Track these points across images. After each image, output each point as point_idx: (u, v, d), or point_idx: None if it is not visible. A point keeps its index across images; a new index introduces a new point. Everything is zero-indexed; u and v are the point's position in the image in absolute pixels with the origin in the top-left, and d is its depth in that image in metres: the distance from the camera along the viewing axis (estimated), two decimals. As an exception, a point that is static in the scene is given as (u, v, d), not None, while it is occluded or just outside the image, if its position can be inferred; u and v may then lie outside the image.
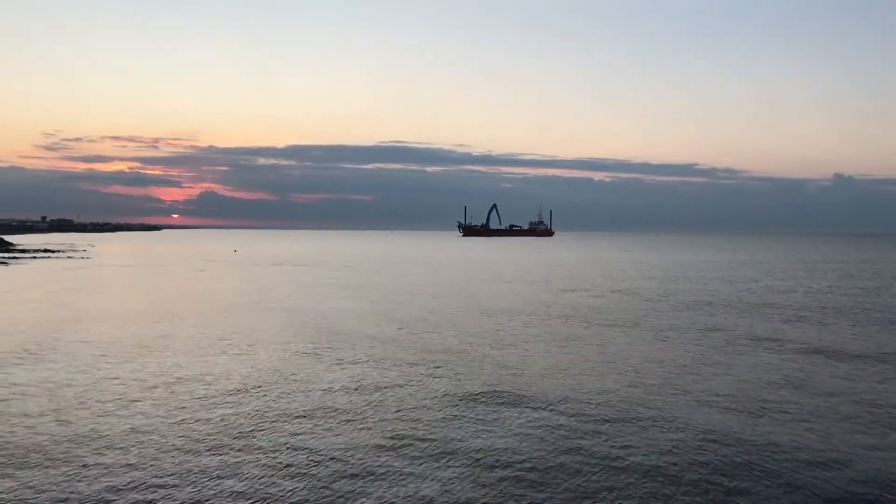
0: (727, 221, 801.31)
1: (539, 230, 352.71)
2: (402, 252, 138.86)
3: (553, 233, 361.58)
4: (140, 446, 14.01)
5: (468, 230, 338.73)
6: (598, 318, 35.17)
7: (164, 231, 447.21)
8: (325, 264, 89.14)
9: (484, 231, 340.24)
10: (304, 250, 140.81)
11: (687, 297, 46.85)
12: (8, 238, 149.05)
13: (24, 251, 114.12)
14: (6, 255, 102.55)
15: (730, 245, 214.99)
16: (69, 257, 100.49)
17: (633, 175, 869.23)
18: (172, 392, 18.61)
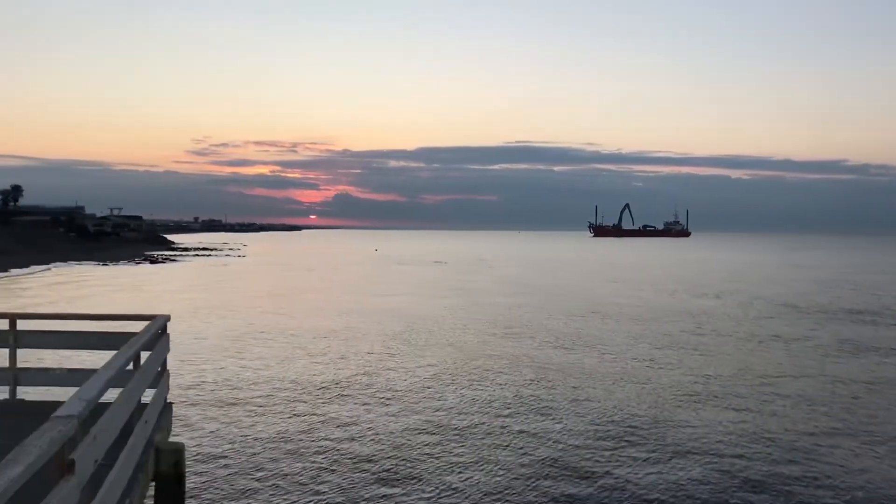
0: (883, 221, 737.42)
1: (675, 231, 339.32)
2: (550, 252, 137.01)
3: (689, 233, 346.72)
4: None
5: (599, 230, 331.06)
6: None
7: (303, 231, 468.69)
8: (477, 263, 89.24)
9: (616, 231, 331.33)
10: (443, 249, 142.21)
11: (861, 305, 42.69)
12: (168, 237, 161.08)
13: (185, 249, 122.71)
14: (170, 252, 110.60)
15: (891, 246, 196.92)
16: (227, 255, 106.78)
17: (773, 173, 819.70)
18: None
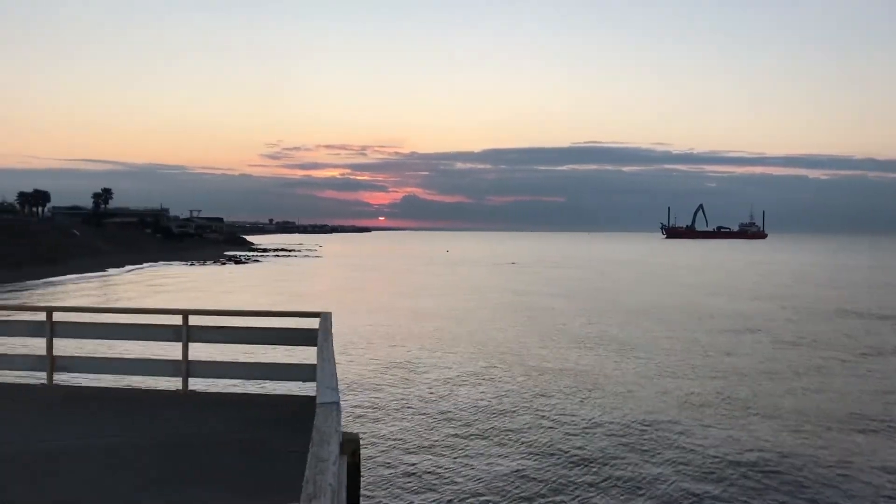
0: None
1: (750, 232, 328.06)
2: (625, 254, 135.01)
3: (766, 235, 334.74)
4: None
5: (672, 232, 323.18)
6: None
7: (373, 232, 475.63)
8: (561, 265, 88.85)
9: (689, 233, 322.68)
10: (514, 251, 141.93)
11: None
12: (246, 238, 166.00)
13: (264, 250, 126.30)
14: (251, 253, 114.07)
15: None
16: (305, 256, 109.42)
17: (854, 172, 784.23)
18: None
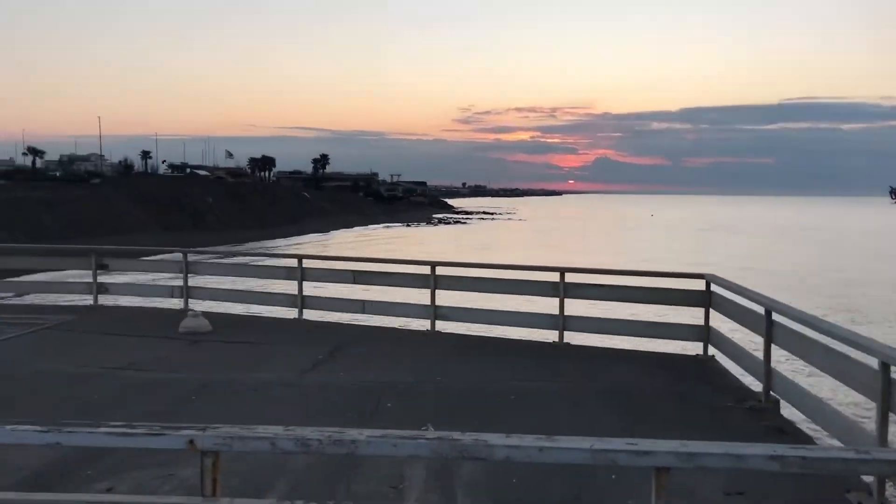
0: None
1: None
2: (870, 223, 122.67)
3: None
4: None
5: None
6: None
7: (563, 196, 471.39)
8: (805, 232, 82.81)
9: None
10: (726, 216, 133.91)
11: None
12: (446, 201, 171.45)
13: (467, 213, 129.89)
14: (456, 215, 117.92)
15: None
16: (508, 218, 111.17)
17: None
18: None
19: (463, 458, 2.87)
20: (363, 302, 10.96)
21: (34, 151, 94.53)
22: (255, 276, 13.27)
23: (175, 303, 12.29)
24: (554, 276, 9.76)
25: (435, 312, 10.30)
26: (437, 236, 67.21)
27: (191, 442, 2.82)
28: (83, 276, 12.83)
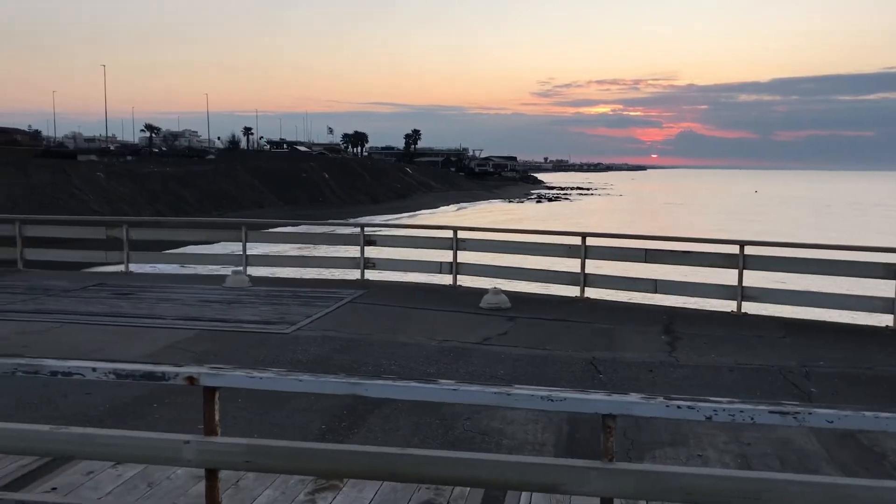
0: None
1: None
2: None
3: None
4: None
5: None
6: None
7: (648, 171, 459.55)
8: None
9: None
10: (835, 191, 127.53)
11: None
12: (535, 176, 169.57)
13: (562, 188, 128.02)
14: (552, 191, 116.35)
15: None
16: (608, 194, 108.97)
17: None
18: None
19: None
20: (655, 281, 10.61)
21: (151, 128, 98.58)
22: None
23: (440, 278, 12.30)
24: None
25: (742, 293, 9.87)
26: (573, 211, 66.63)
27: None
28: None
